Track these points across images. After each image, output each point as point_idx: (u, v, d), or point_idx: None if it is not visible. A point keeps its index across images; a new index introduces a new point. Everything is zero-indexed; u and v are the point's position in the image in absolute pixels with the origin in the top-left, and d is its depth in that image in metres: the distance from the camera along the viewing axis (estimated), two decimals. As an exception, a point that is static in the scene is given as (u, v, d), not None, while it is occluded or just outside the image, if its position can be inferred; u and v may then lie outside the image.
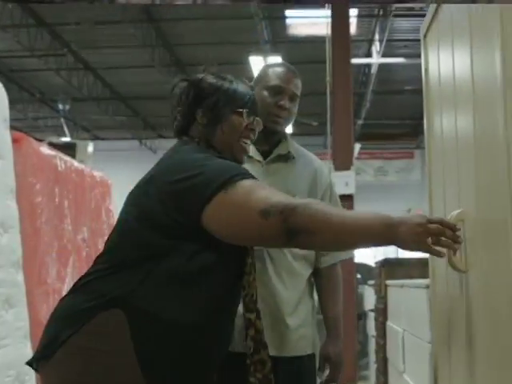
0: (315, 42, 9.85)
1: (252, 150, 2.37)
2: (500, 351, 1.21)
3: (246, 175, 1.74)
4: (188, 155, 1.82)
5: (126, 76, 13.06)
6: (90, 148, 9.65)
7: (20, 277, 2.67)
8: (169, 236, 1.69)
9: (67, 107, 14.11)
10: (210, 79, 1.97)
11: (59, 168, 4.37)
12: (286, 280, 2.32)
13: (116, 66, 12.49)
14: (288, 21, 10.56)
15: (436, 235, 1.51)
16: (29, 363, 1.74)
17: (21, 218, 2.89)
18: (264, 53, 11.14)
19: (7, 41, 10.71)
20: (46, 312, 3.67)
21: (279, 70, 2.46)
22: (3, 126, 2.78)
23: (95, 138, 17.10)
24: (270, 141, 2.42)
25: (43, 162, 4.11)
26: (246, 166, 2.37)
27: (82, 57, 12.19)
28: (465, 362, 1.45)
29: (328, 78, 7.11)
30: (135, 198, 1.79)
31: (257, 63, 11.21)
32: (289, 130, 18.48)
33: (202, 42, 11.17)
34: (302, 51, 11.39)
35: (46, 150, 4.24)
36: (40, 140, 6.67)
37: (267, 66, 2.53)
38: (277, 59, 11.35)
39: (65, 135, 14.84)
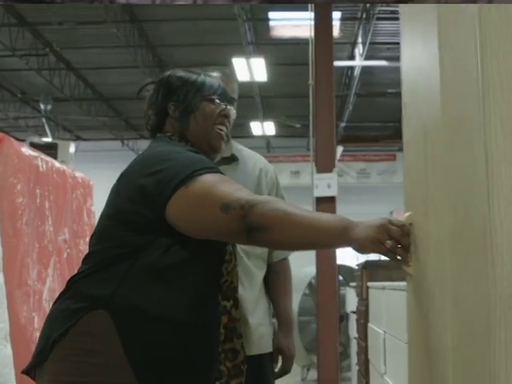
0: (298, 44, 9.88)
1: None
2: (472, 354, 1.21)
3: (211, 169, 1.72)
4: (155, 150, 1.83)
5: (109, 76, 13.01)
6: (72, 148, 9.61)
7: (1, 278, 2.65)
8: (143, 232, 1.70)
9: (49, 107, 14.02)
10: (178, 73, 1.99)
11: (40, 168, 4.35)
12: (243, 279, 2.34)
13: (98, 67, 12.45)
14: (271, 23, 10.58)
15: (394, 238, 1.46)
16: (25, 372, 1.73)
17: (1, 218, 2.87)
18: (247, 55, 11.15)
19: (-12, 40, 10.64)
20: (26, 313, 3.65)
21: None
22: (-16, 127, 2.76)
23: (77, 139, 17.02)
24: None
25: (24, 162, 4.09)
26: None
27: (64, 57, 12.13)
28: (441, 368, 1.44)
29: (311, 81, 7.13)
30: (109, 198, 1.81)
31: (240, 65, 11.22)
32: (271, 131, 18.54)
33: (185, 44, 11.16)
34: (285, 53, 11.42)
35: (27, 150, 4.22)
36: (21, 140, 6.64)
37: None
38: (260, 61, 11.38)
39: (46, 135, 14.75)
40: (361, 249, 1.47)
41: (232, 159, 2.49)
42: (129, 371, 1.61)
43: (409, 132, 1.65)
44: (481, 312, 1.11)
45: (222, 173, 1.75)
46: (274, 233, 1.57)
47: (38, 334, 1.86)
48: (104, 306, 1.64)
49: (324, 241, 1.55)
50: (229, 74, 2.51)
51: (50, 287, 3.98)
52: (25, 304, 3.63)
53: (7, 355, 2.58)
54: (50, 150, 8.79)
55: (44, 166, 4.42)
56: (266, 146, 17.28)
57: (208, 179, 1.68)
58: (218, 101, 1.95)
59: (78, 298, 1.69)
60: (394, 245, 1.45)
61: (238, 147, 2.56)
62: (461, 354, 1.23)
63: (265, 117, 15.26)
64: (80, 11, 9.90)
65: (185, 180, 1.67)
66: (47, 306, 3.81)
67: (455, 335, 1.26)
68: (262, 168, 2.56)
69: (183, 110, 1.93)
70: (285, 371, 2.52)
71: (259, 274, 2.46)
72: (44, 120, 14.50)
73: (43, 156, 4.50)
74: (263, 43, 11.25)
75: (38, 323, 3.69)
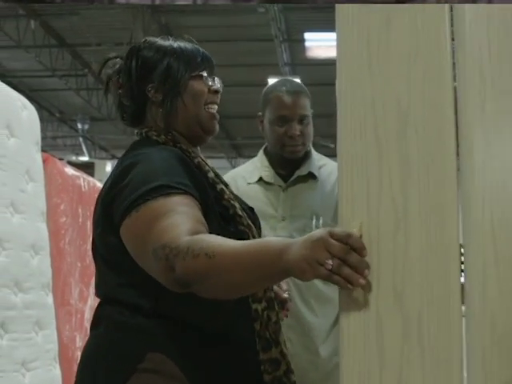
0: (334, 64, 9.85)
1: (270, 174, 2.33)
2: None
3: (167, 189, 1.40)
4: (121, 163, 1.55)
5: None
6: (108, 167, 9.75)
7: (50, 299, 2.67)
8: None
9: (86, 126, 14.21)
10: (152, 42, 1.67)
11: (83, 188, 4.38)
12: (314, 306, 2.23)
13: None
14: (307, 43, 10.61)
15: (336, 256, 1.10)
16: None
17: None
18: (283, 75, 11.18)
19: (29, 61, 10.84)
20: (68, 332, 3.66)
21: (280, 95, 2.29)
22: (35, 149, 2.79)
23: (113, 158, 17.18)
24: (291, 163, 2.34)
25: (67, 182, 4.13)
26: (264, 192, 2.29)
27: (102, 77, 12.28)
28: None
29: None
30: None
31: (276, 85, 11.26)
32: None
33: (222, 64, 11.15)
34: (320, 73, 11.42)
35: (70, 170, 4.26)
36: (60, 159, 6.73)
37: (269, 92, 2.34)
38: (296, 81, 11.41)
39: (83, 154, 14.95)
40: (298, 274, 1.15)
41: (309, 177, 2.32)
42: None
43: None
44: None
45: (185, 190, 1.42)
46: (204, 286, 1.28)
47: (79, 353, 1.85)
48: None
49: (260, 277, 1.24)
50: (295, 90, 2.31)
51: (91, 306, 3.99)
52: (67, 323, 3.64)
53: (56, 376, 2.59)
54: (87, 168, 8.92)
55: (86, 186, 4.46)
56: (300, 165, 17.27)
57: (153, 208, 1.37)
58: (205, 74, 1.64)
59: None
60: (338, 264, 1.10)
61: (321, 162, 2.37)
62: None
63: (299, 137, 15.27)
64: (118, 33, 10.03)
65: (129, 208, 1.40)
66: (88, 326, 3.83)
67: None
68: None
69: (167, 93, 1.61)
70: None
71: (335, 299, 2.19)
72: (81, 139, 14.70)
73: (85, 176, 4.55)
74: (299, 63, 11.28)
75: (79, 342, 3.70)
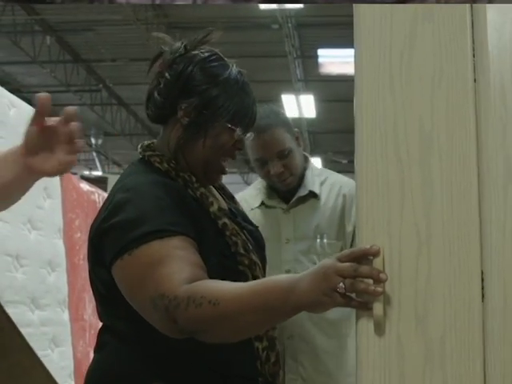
0: (347, 80, 9.89)
1: (271, 197, 2.31)
2: None
3: (160, 233, 1.34)
4: (114, 195, 1.46)
5: (159, 112, 13.21)
6: (122, 182, 9.73)
7: (65, 316, 2.68)
8: None
9: (100, 141, 14.28)
10: (208, 67, 1.53)
11: (98, 204, 4.40)
12: (326, 328, 2.19)
13: (149, 102, 12.64)
14: (320, 60, 10.64)
15: (348, 276, 1.09)
16: None
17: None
18: (296, 91, 11.21)
19: (44, 76, 10.94)
20: (82, 348, 3.66)
21: (251, 139, 1.94)
22: (53, 165, 2.81)
23: (126, 173, 17.23)
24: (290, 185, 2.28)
25: (82, 197, 4.14)
26: (266, 216, 2.27)
27: (116, 92, 12.36)
28: None
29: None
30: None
31: (289, 101, 11.28)
32: (318, 167, 18.45)
33: (235, 80, 11.26)
34: (333, 90, 11.45)
35: (85, 185, 4.28)
36: (73, 173, 6.76)
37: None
38: (309, 98, 11.43)
39: (97, 169, 15.00)
40: (316, 308, 1.16)
41: (310, 196, 2.28)
42: None
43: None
44: None
45: (179, 231, 1.36)
46: (210, 333, 1.27)
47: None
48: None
49: (271, 318, 1.24)
50: (262, 128, 2.13)
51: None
52: (81, 339, 3.65)
53: (71, 393, 2.60)
54: (101, 183, 8.92)
55: (101, 201, 4.47)
56: (312, 181, 17.28)
57: (148, 254, 1.33)
58: (239, 133, 1.53)
59: None
60: (350, 283, 1.10)
61: (322, 177, 2.32)
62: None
63: (312, 152, 15.27)
64: (132, 48, 10.09)
65: (121, 251, 1.35)
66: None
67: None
68: (347, 195, 2.27)
69: (194, 123, 1.50)
70: None
71: (344, 315, 2.15)
72: (94, 154, 14.76)
73: (100, 191, 4.56)
74: (312, 80, 11.31)
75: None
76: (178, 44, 1.58)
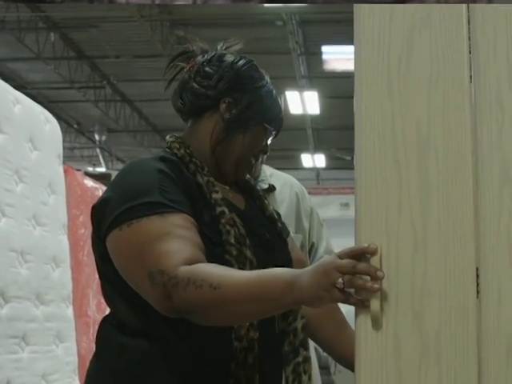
0: (351, 77, 9.86)
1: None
2: None
3: (161, 207, 1.36)
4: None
5: (163, 108, 13.20)
6: (125, 179, 9.76)
7: (70, 311, 2.70)
8: None
9: (103, 138, 14.32)
10: (252, 71, 1.60)
11: (101, 200, 4.43)
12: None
13: (153, 99, 12.67)
14: (324, 56, 10.65)
15: (347, 273, 1.13)
16: None
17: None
18: (300, 88, 11.22)
19: (48, 72, 10.97)
20: (86, 344, 3.69)
21: None
22: (57, 162, 2.84)
23: (129, 169, 17.25)
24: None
25: (86, 193, 4.17)
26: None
27: (120, 89, 12.39)
28: None
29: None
30: None
31: (293, 98, 11.29)
32: (321, 163, 18.34)
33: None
34: (337, 86, 11.46)
35: (89, 182, 4.31)
36: (77, 170, 6.79)
37: None
38: (313, 94, 11.44)
39: (100, 165, 15.04)
40: (315, 302, 1.20)
41: (270, 190, 2.28)
42: None
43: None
44: None
45: (179, 209, 1.38)
46: (206, 316, 1.29)
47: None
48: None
49: (268, 307, 1.26)
50: None
51: (108, 318, 4.03)
52: (84, 335, 3.68)
53: (76, 389, 2.64)
54: (104, 179, 8.95)
55: (105, 198, 4.50)
56: (315, 177, 17.27)
57: (149, 228, 1.34)
58: (271, 132, 1.61)
59: None
60: (349, 279, 1.13)
61: (267, 172, 2.33)
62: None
63: (316, 149, 15.28)
64: (136, 45, 10.12)
65: (119, 220, 1.36)
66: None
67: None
68: (298, 193, 2.33)
69: (237, 119, 1.54)
70: None
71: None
72: (98, 150, 14.80)
73: (104, 187, 4.59)
74: (316, 76, 11.32)
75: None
76: (205, 45, 1.65)
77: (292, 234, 2.20)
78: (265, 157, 2.16)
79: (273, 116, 1.59)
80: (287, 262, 1.59)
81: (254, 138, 1.57)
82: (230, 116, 1.55)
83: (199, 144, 1.57)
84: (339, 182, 16.18)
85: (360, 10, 1.27)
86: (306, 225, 2.31)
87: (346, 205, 15.53)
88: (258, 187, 2.19)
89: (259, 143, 1.58)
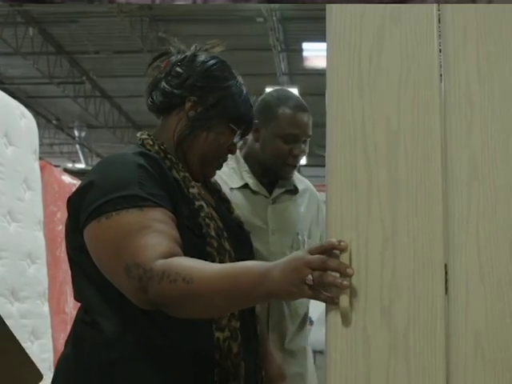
0: (331, 74, 9.92)
1: (255, 182, 2.23)
2: None
3: (141, 201, 1.38)
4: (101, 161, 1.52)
5: (142, 104, 13.03)
6: (105, 175, 9.72)
7: (46, 308, 2.69)
8: None
9: (83, 134, 14.24)
10: (222, 69, 1.62)
11: (79, 197, 4.41)
12: (298, 356, 2.19)
13: (132, 95, 12.62)
14: (305, 53, 10.66)
15: (317, 269, 1.13)
16: None
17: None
18: (281, 85, 11.22)
19: (26, 68, 10.86)
20: (63, 341, 3.68)
21: (291, 113, 2.19)
22: (33, 158, 2.82)
23: (109, 165, 17.17)
24: (271, 174, 2.25)
25: (64, 190, 4.15)
26: (250, 201, 2.19)
27: (100, 85, 12.32)
28: None
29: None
30: None
31: (273, 95, 11.29)
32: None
33: (219, 73, 11.25)
34: (318, 83, 11.42)
35: (67, 178, 4.29)
36: (56, 166, 6.76)
37: (276, 105, 2.22)
38: (293, 91, 11.44)
39: (80, 162, 14.97)
40: (285, 296, 1.22)
41: (293, 192, 2.28)
42: None
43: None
44: None
45: (158, 203, 1.39)
46: (180, 308, 1.31)
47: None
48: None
49: (241, 300, 1.28)
50: (305, 107, 2.23)
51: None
52: (62, 332, 3.66)
53: (50, 385, 2.62)
54: (84, 176, 8.93)
55: (82, 194, 4.48)
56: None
57: (128, 221, 1.35)
58: (238, 133, 1.63)
59: None
60: (319, 275, 1.13)
61: (298, 177, 2.34)
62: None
63: (296, 146, 15.31)
64: (116, 41, 10.07)
65: (98, 212, 1.37)
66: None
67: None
68: (319, 201, 2.33)
69: (201, 117, 1.57)
70: None
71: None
72: (78, 146, 14.71)
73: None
74: (297, 73, 11.33)
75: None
76: (183, 47, 1.68)
77: (306, 238, 2.22)
78: (304, 156, 2.23)
79: (239, 116, 1.61)
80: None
81: (219, 137, 1.59)
82: (194, 114, 1.58)
83: (168, 141, 1.60)
84: (320, 179, 16.18)
85: (332, 9, 1.28)
86: (318, 234, 2.30)
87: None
88: (284, 188, 2.25)
89: (224, 142, 1.60)
